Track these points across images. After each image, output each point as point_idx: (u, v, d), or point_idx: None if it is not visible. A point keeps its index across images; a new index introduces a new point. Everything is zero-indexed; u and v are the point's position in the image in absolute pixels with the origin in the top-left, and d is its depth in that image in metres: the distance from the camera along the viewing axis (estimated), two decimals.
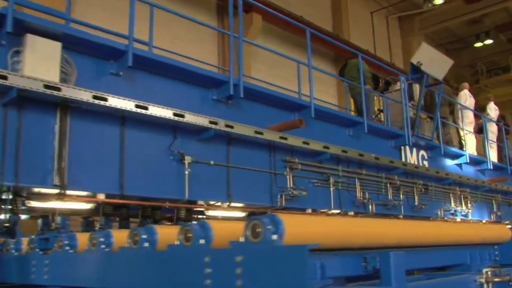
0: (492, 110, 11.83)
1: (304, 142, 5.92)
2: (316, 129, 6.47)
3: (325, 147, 6.21)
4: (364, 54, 10.21)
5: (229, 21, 5.66)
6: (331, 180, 6.45)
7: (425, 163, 8.85)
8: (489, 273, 2.66)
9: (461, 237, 3.72)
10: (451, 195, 9.34)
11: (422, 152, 8.80)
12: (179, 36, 12.52)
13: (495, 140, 11.53)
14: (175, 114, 4.69)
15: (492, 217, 10.81)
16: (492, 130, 11.47)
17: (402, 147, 8.22)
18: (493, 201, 10.92)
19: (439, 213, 8.84)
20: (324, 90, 13.93)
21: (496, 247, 4.10)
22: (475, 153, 10.57)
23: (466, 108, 10.31)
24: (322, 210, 6.42)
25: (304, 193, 5.82)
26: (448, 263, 3.31)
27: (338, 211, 6.60)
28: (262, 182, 5.68)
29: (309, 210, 6.16)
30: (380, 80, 10.63)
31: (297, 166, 5.91)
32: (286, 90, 7.20)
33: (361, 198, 6.82)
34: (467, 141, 10.05)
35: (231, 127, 5.15)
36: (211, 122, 4.97)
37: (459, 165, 10.09)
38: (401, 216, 7.77)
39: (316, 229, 2.40)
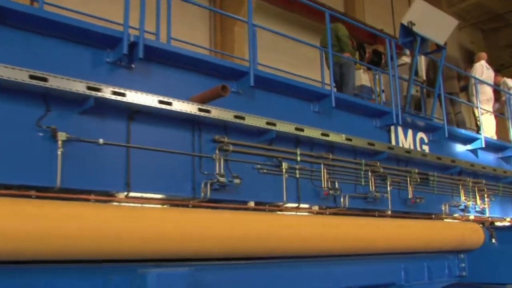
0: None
1: (237, 117, 4.63)
2: (263, 102, 5.18)
3: (269, 123, 4.89)
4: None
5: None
6: (284, 165, 5.12)
7: (425, 148, 7.32)
8: None
9: (384, 243, 2.41)
10: (460, 187, 7.75)
11: (420, 135, 7.26)
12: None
13: None
14: (32, 77, 3.54)
15: None
16: None
17: (392, 128, 6.74)
18: None
19: (443, 208, 7.28)
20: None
21: (462, 256, 2.72)
22: (495, 137, 8.86)
23: (482, 82, 8.58)
24: (273, 204, 5.12)
25: (237, 181, 4.53)
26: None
27: (295, 204, 5.28)
28: (180, 168, 4.44)
29: (252, 204, 4.87)
30: (367, 50, 9.08)
31: (227, 147, 4.62)
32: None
33: (328, 189, 5.44)
34: (483, 122, 8.38)
35: (123, 94, 3.95)
36: (90, 88, 3.79)
37: (475, 151, 8.44)
38: (389, 212, 6.33)
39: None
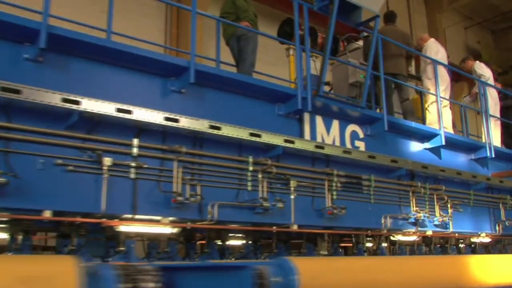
0: (484, 68, 8.12)
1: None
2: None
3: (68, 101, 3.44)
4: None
5: None
6: (106, 161, 3.65)
7: (359, 144, 5.73)
8: None
9: None
10: (411, 195, 6.12)
11: (352, 127, 5.69)
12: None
13: (497, 114, 7.95)
14: None
15: (497, 228, 7.34)
16: (491, 99, 7.84)
17: (307, 118, 5.20)
18: (500, 205, 7.45)
19: (383, 222, 5.66)
20: None
21: None
22: (452, 131, 7.19)
23: (438, 63, 6.88)
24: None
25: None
26: None
27: (129, 215, 3.79)
28: None
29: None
30: (319, 35, 7.56)
31: None
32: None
33: (177, 195, 3.94)
34: (432, 110, 6.73)
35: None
36: None
37: (437, 151, 6.79)
38: (295, 226, 4.75)
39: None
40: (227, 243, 5.84)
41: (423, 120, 7.15)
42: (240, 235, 5.56)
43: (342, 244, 6.96)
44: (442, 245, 7.79)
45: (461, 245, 7.90)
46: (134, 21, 9.55)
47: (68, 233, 4.06)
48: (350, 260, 4.13)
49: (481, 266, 5.31)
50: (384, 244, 6.86)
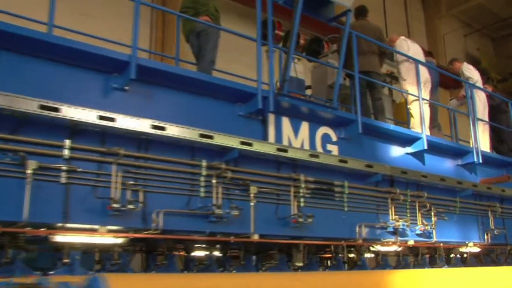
0: (472, 71, 7.71)
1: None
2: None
3: None
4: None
5: None
6: (31, 164, 3.31)
7: (332, 148, 5.36)
8: None
9: None
10: (390, 202, 5.72)
11: (324, 130, 5.32)
12: (90, 12, 9.96)
13: (486, 117, 7.53)
14: None
15: (485, 237, 6.91)
16: (479, 102, 7.42)
17: (272, 119, 4.85)
18: (489, 213, 7.01)
19: (357, 231, 5.26)
20: None
21: None
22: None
23: (414, 60, 6.47)
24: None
25: None
26: None
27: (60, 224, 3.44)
28: None
29: None
30: (302, 36, 7.24)
31: None
32: None
33: (114, 201, 3.59)
34: (414, 112, 6.34)
35: None
36: None
37: (420, 156, 6.38)
38: (255, 236, 4.37)
39: None
40: (193, 254, 5.51)
41: (408, 125, 6.77)
42: (204, 245, 5.21)
43: (325, 255, 6.58)
44: (432, 255, 7.38)
45: (452, 255, 7.50)
46: (115, 25, 9.29)
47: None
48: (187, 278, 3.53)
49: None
50: (368, 255, 6.48)
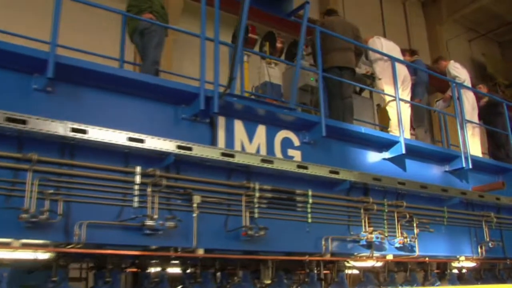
0: (460, 69, 7.21)
1: None
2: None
3: None
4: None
5: None
6: None
7: (294, 153, 4.91)
8: None
9: None
10: (362, 211, 5.22)
11: (284, 134, 4.88)
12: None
13: (475, 119, 6.97)
14: None
15: (479, 251, 6.32)
16: (468, 103, 6.88)
17: (222, 122, 4.43)
18: (483, 224, 6.44)
19: (323, 244, 4.77)
20: None
21: None
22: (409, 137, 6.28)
23: (388, 56, 6.01)
24: None
25: None
26: None
27: None
28: None
29: None
30: (278, 40, 6.87)
31: None
32: None
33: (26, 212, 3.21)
34: (391, 113, 5.85)
35: None
36: None
37: (400, 161, 5.89)
38: (197, 250, 3.93)
39: None
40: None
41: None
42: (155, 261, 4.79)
43: (299, 271, 6.10)
44: (425, 270, 6.83)
45: (448, 271, 6.92)
46: (91, 35, 9.01)
47: None
48: None
49: None
50: (349, 271, 5.98)
